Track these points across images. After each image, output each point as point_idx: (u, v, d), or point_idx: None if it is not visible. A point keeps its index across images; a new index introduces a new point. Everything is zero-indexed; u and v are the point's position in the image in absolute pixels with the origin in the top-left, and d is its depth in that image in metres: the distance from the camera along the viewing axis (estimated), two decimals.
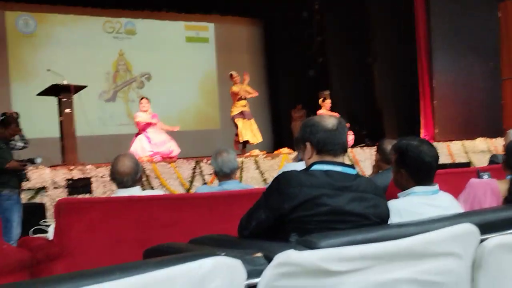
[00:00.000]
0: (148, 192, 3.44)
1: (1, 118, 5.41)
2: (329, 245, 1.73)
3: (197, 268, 1.34)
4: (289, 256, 1.43)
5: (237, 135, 9.65)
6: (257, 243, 1.88)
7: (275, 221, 1.94)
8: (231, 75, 9.75)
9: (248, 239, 2.03)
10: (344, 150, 2.05)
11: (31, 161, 5.42)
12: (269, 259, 1.64)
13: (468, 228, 1.69)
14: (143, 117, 8.54)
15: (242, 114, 9.57)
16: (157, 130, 8.65)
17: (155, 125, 8.63)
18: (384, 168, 3.67)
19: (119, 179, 3.07)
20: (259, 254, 1.66)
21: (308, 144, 2.06)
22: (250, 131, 9.57)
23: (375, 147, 4.07)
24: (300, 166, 3.55)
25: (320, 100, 10.25)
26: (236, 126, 9.59)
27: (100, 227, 2.78)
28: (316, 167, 2.00)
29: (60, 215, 2.73)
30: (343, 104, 11.79)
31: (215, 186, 3.53)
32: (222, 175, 3.40)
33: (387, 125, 11.88)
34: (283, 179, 1.96)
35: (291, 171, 1.99)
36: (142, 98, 8.92)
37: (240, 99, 9.60)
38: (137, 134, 8.67)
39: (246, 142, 9.56)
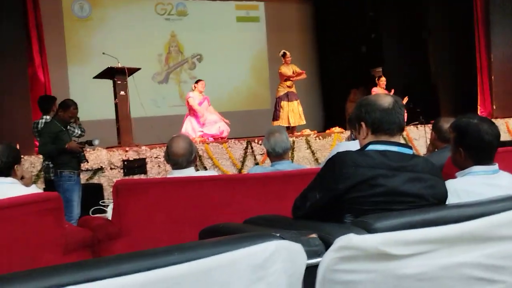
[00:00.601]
0: (202, 173, 3.49)
1: (65, 100, 5.61)
2: (385, 226, 1.71)
3: (260, 251, 1.35)
4: (350, 240, 1.42)
5: (274, 117, 9.63)
6: (312, 224, 1.88)
7: (330, 202, 1.93)
8: (284, 54, 9.67)
9: (302, 219, 2.03)
10: (400, 130, 2.01)
11: (89, 143, 5.61)
12: (324, 240, 1.64)
13: None
14: (197, 98, 8.66)
15: (287, 96, 9.53)
16: (208, 110, 8.74)
17: (203, 104, 8.74)
18: (440, 146, 3.59)
19: (174, 160, 3.11)
20: (314, 235, 1.66)
21: (363, 124, 2.03)
22: (293, 113, 9.51)
23: (430, 125, 3.98)
24: (353, 145, 3.51)
25: (376, 78, 10.09)
26: (279, 107, 9.56)
27: (157, 207, 2.84)
28: (371, 147, 1.97)
29: (118, 196, 2.81)
30: (396, 80, 11.51)
31: (267, 167, 3.54)
32: (275, 155, 3.40)
33: (443, 101, 11.56)
34: (338, 159, 1.94)
35: (346, 151, 1.97)
36: (199, 80, 9.03)
37: (287, 79, 9.55)
38: (188, 114, 8.80)
39: (288, 127, 9.52)
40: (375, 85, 9.96)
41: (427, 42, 12.01)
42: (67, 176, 5.34)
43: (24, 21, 8.56)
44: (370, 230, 1.69)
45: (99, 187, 6.56)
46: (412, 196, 1.90)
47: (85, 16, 11.81)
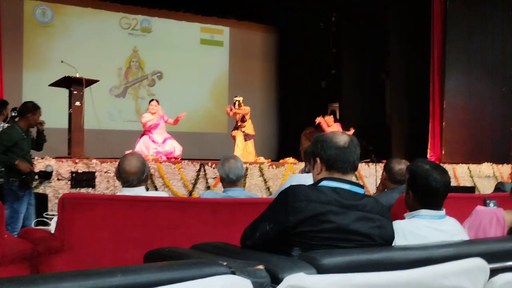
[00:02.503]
0: (153, 193, 3.43)
1: (29, 103, 5.34)
2: (331, 263, 1.73)
3: (207, 286, 1.33)
4: (299, 279, 1.42)
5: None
6: (259, 254, 1.88)
7: (279, 234, 1.93)
8: (234, 103, 9.74)
9: (250, 249, 2.02)
10: (354, 169, 2.05)
11: (45, 174, 5.32)
12: (271, 273, 1.64)
13: (479, 263, 1.67)
14: (148, 118, 8.60)
15: (242, 134, 9.65)
16: (161, 131, 8.70)
17: (158, 125, 8.69)
18: (390, 187, 3.66)
19: (125, 178, 3.06)
20: (261, 267, 1.65)
21: (318, 159, 2.05)
22: (245, 152, 9.62)
23: (381, 164, 4.07)
24: (305, 178, 3.55)
25: (320, 117, 10.33)
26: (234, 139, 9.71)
27: (103, 225, 2.77)
28: (324, 183, 2.00)
29: (64, 209, 2.72)
30: (352, 117, 11.80)
31: (219, 192, 3.53)
32: (228, 181, 3.39)
33: (395, 142, 11.87)
34: (290, 192, 1.95)
35: (299, 185, 1.98)
36: (152, 100, 8.96)
37: (240, 121, 9.70)
38: (142, 134, 8.72)
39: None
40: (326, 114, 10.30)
41: (385, 84, 12.37)
42: (17, 187, 5.11)
43: None
44: (317, 265, 1.70)
45: (43, 198, 6.35)
46: (360, 235, 1.93)
47: (47, 22, 11.62)
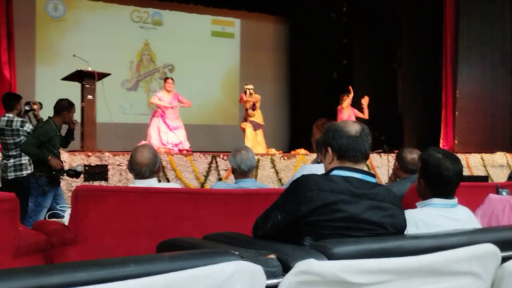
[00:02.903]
0: (165, 185, 3.45)
1: (64, 100, 5.34)
2: (343, 252, 1.73)
3: (220, 271, 1.34)
4: (310, 265, 1.43)
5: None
6: (271, 244, 1.88)
7: (291, 224, 1.94)
8: (245, 91, 9.74)
9: (262, 239, 2.03)
10: (365, 158, 2.04)
11: (75, 173, 5.32)
12: (282, 262, 1.65)
13: (490, 249, 1.67)
14: (157, 102, 8.77)
15: (251, 124, 9.64)
16: (175, 116, 8.76)
17: (171, 108, 8.78)
18: (402, 176, 3.65)
19: (137, 170, 3.08)
20: (273, 256, 1.66)
21: (329, 149, 2.05)
22: (255, 142, 9.61)
23: (393, 154, 4.06)
24: (317, 168, 3.55)
25: (343, 96, 10.29)
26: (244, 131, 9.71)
27: (115, 216, 2.80)
28: (336, 172, 1.99)
29: (77, 202, 2.75)
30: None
31: (231, 183, 3.54)
32: (240, 172, 3.40)
33: (407, 132, 11.80)
34: (302, 182, 1.95)
35: (310, 174, 1.98)
36: (167, 78, 9.04)
37: (251, 109, 9.69)
38: (154, 113, 8.81)
39: None
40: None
41: (397, 73, 12.27)
42: (45, 181, 5.14)
43: None
44: (328, 254, 1.70)
45: None
46: (372, 224, 1.92)
47: (59, 16, 11.66)
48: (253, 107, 9.65)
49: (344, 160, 2.02)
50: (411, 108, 11.87)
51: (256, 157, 3.89)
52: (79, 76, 7.52)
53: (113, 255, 2.62)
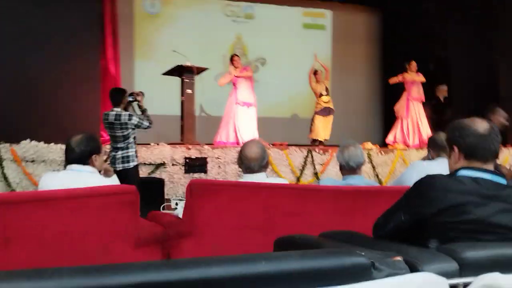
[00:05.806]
0: (273, 179, 3.49)
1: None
2: (474, 257, 1.67)
3: (408, 282, 1.34)
4: (495, 280, 1.38)
5: (311, 131, 9.60)
6: (395, 245, 1.84)
7: (414, 225, 1.89)
8: (315, 71, 9.63)
9: (383, 240, 1.99)
10: (494, 157, 1.95)
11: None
12: (410, 265, 1.61)
13: None
14: (226, 77, 8.86)
15: (323, 111, 9.48)
16: (249, 91, 8.82)
17: (243, 78, 8.84)
18: None
19: (247, 164, 3.14)
20: (400, 258, 1.62)
21: (456, 148, 1.97)
22: (326, 129, 9.46)
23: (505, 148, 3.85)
24: (428, 165, 3.44)
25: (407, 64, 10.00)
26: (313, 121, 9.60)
27: (228, 210, 2.86)
28: (463, 172, 1.92)
29: (192, 195, 2.84)
30: (462, 101, 11.24)
31: (339, 180, 3.51)
32: (348, 169, 3.37)
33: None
34: (427, 182, 1.90)
35: (436, 174, 1.92)
36: (234, 55, 9.11)
37: (321, 95, 9.53)
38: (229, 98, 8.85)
39: (316, 140, 9.44)
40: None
41: (498, 64, 11.64)
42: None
43: (100, 14, 8.82)
44: (458, 258, 1.65)
45: (160, 182, 6.64)
46: (503, 228, 1.83)
47: (155, 12, 12.06)
48: (327, 90, 9.57)
49: (472, 160, 1.94)
50: None
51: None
52: (179, 70, 7.74)
53: (226, 248, 2.69)
